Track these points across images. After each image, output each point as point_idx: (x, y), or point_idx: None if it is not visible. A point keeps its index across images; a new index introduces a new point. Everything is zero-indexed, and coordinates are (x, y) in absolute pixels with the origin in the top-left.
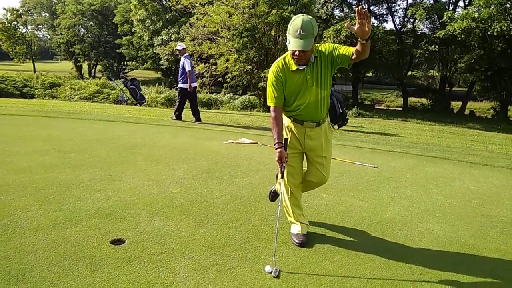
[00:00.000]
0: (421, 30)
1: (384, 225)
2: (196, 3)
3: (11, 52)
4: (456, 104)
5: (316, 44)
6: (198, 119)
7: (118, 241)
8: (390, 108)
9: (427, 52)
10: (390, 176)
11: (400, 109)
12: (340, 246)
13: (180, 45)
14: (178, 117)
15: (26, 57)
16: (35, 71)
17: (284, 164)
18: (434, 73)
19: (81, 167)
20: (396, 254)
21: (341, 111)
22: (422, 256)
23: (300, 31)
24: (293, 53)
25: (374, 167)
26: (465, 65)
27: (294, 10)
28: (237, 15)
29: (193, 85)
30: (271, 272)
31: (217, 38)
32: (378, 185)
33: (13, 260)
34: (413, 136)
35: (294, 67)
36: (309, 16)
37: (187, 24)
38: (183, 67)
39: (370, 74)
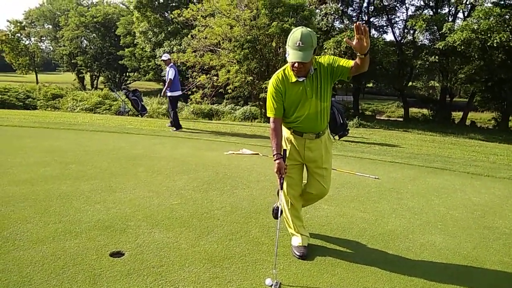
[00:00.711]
0: (421, 41)
1: (386, 237)
2: (198, 16)
3: (14, 64)
4: (457, 115)
5: (316, 57)
6: (178, 127)
7: (117, 254)
8: (391, 118)
9: (427, 63)
10: (391, 187)
11: (401, 119)
12: (341, 258)
13: (165, 56)
14: (178, 126)
15: (29, 69)
16: (37, 83)
17: (283, 176)
18: (435, 83)
19: (81, 179)
20: (398, 266)
21: (341, 122)
22: (424, 269)
23: (299, 43)
24: (292, 65)
25: (375, 178)
26: (466, 75)
27: (294, 22)
28: (238, 27)
29: (176, 93)
30: (271, 286)
31: (218, 49)
32: (379, 196)
33: (12, 273)
34: (414, 147)
35: (294, 79)
36: (309, 29)
37: (189, 36)
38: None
39: (370, 84)
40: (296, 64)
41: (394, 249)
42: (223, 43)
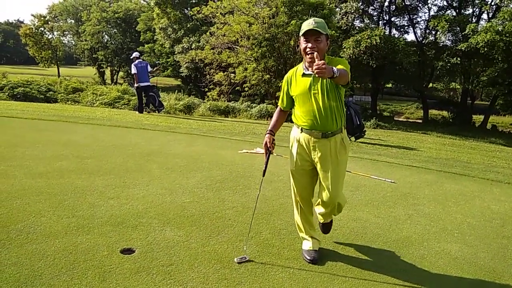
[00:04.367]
0: (443, 42)
1: (400, 244)
2: (217, 13)
3: (37, 57)
4: (478, 118)
5: (330, 56)
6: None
7: (128, 251)
8: (409, 120)
9: (448, 64)
10: (408, 192)
11: (420, 121)
12: (353, 264)
13: (135, 53)
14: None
15: (52, 62)
16: (59, 76)
17: (269, 151)
18: (456, 85)
19: (97, 173)
20: (411, 275)
21: (358, 123)
22: (438, 278)
23: (312, 22)
24: (304, 49)
25: (391, 182)
26: (488, 78)
27: None
28: (256, 25)
29: (141, 84)
30: (239, 259)
31: (236, 47)
32: (395, 201)
33: (23, 266)
34: (432, 151)
35: (303, 72)
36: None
37: (208, 33)
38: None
39: (390, 85)
40: (309, 45)
41: (408, 257)
42: (241, 40)
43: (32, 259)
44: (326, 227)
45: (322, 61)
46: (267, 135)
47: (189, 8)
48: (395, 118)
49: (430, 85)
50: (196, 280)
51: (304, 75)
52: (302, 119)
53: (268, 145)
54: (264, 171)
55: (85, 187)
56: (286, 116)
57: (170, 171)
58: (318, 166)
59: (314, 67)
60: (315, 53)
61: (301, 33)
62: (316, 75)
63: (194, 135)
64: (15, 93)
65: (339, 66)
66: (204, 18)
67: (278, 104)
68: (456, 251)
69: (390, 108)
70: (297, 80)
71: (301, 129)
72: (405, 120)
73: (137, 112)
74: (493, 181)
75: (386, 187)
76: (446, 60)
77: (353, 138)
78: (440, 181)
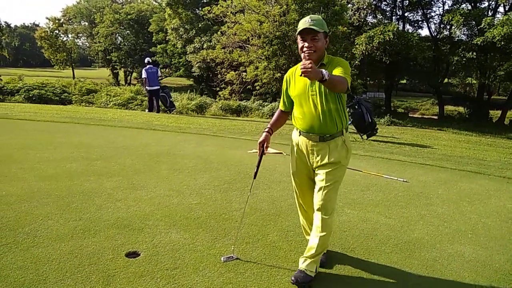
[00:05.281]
0: (458, 36)
1: (412, 246)
2: (228, 12)
3: (52, 59)
4: (495, 113)
5: (331, 56)
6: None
7: (133, 254)
8: (424, 116)
9: (464, 59)
10: (420, 191)
11: (436, 117)
12: (362, 267)
13: (147, 59)
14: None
15: (66, 64)
16: (74, 78)
17: (263, 151)
18: (472, 80)
19: (105, 175)
20: (424, 278)
21: (370, 120)
22: (451, 282)
23: (308, 20)
24: (301, 48)
25: (404, 181)
26: (505, 72)
27: (325, 17)
28: (267, 23)
29: (151, 88)
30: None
31: (247, 46)
32: (407, 201)
33: (28, 270)
34: (447, 148)
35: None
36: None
37: (219, 33)
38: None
39: (404, 81)
40: (306, 44)
41: (420, 259)
42: (252, 39)
43: (38, 263)
44: (300, 276)
45: (309, 61)
46: (264, 133)
47: (200, 8)
48: (410, 115)
49: (446, 80)
50: (200, 284)
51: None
52: (299, 121)
53: (265, 144)
54: (256, 173)
55: (93, 189)
56: (287, 117)
57: (178, 172)
58: (316, 170)
59: (300, 67)
60: (307, 53)
61: (297, 32)
62: (302, 75)
63: (204, 135)
64: (30, 95)
65: (337, 71)
66: (215, 18)
67: (280, 107)
68: (470, 253)
69: (405, 105)
70: (296, 80)
71: (299, 132)
72: (420, 116)
73: (147, 110)
74: (510, 179)
75: (398, 187)
76: (462, 55)
77: (365, 136)
78: (454, 179)
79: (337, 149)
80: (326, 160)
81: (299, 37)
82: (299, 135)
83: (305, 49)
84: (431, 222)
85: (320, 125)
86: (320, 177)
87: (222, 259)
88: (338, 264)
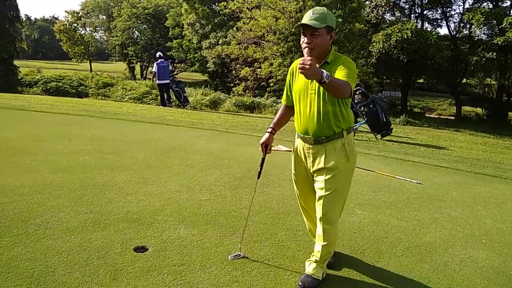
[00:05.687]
0: (478, 36)
1: (423, 249)
2: (244, 8)
3: (70, 52)
4: None
5: (338, 54)
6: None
7: (141, 249)
8: (441, 117)
9: (483, 59)
10: (434, 194)
11: (453, 118)
12: (372, 270)
13: (158, 53)
14: (164, 104)
15: (84, 58)
16: (91, 71)
17: (265, 151)
18: (491, 81)
19: (118, 169)
20: (434, 283)
21: (384, 120)
22: None
23: (310, 14)
24: (302, 43)
25: (417, 183)
26: None
27: (342, 14)
28: (283, 19)
29: (161, 82)
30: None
31: (262, 42)
32: (420, 204)
33: (38, 262)
34: (463, 150)
35: None
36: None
37: (234, 28)
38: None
39: (421, 80)
40: (305, 40)
41: (431, 263)
42: (267, 35)
43: (47, 255)
44: (307, 280)
45: (309, 58)
46: (267, 134)
47: (216, 3)
48: (426, 115)
49: (464, 80)
50: (206, 281)
51: None
52: (296, 122)
53: (268, 146)
54: (259, 173)
55: (104, 183)
56: (292, 113)
57: (189, 167)
58: (314, 176)
59: (299, 63)
60: (306, 49)
61: (296, 26)
62: (299, 71)
63: (216, 131)
64: (48, 87)
65: (340, 73)
66: (231, 13)
67: (282, 102)
68: (483, 259)
69: (422, 104)
70: (297, 76)
71: (297, 134)
72: (436, 116)
73: (161, 106)
74: None
75: (411, 188)
76: (481, 55)
77: (379, 136)
78: (470, 182)
79: (334, 153)
80: (322, 165)
81: (301, 31)
82: (297, 137)
83: (304, 45)
84: (444, 226)
85: (314, 127)
86: (319, 185)
87: (229, 257)
88: (347, 267)
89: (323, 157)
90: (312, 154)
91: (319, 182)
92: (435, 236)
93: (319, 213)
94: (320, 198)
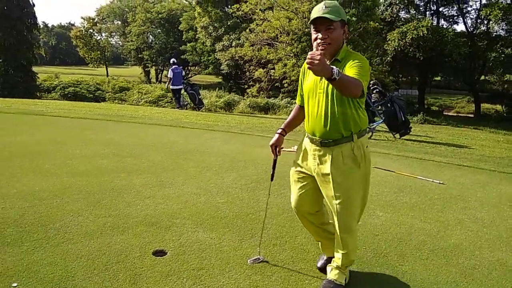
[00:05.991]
0: (496, 32)
1: (448, 252)
2: (256, 9)
3: (87, 58)
4: None
5: (350, 50)
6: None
7: (160, 252)
8: (460, 114)
9: (502, 55)
10: (458, 194)
11: (472, 116)
12: (396, 274)
13: (172, 60)
14: (180, 106)
15: (100, 62)
16: (108, 76)
17: (276, 153)
18: (511, 77)
19: (135, 172)
20: (462, 287)
21: (403, 119)
22: None
23: (322, 7)
24: (314, 40)
25: (440, 183)
26: None
27: (356, 13)
28: (296, 19)
29: (171, 87)
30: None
31: (275, 43)
32: (444, 205)
33: (58, 266)
34: (485, 148)
35: None
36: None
37: (247, 30)
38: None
39: (438, 78)
40: (320, 36)
41: (458, 267)
42: (280, 36)
43: (67, 259)
44: (329, 286)
45: (318, 53)
46: (276, 135)
47: (229, 6)
48: (444, 113)
49: (482, 77)
50: (227, 286)
51: None
52: (306, 121)
53: (277, 147)
54: (272, 175)
55: (122, 186)
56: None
57: (205, 170)
58: (319, 182)
59: (307, 58)
60: (321, 46)
61: (310, 21)
62: (307, 66)
63: (231, 133)
64: (66, 92)
65: (351, 70)
66: (244, 15)
67: (296, 100)
68: None
69: (439, 102)
70: (308, 74)
71: (306, 134)
72: (455, 114)
73: (176, 108)
74: None
75: (434, 189)
76: (500, 51)
77: (397, 135)
78: (494, 182)
79: (341, 158)
80: (327, 170)
81: (312, 27)
82: (306, 137)
83: (318, 41)
84: (470, 227)
85: (320, 128)
86: (329, 193)
87: (249, 261)
88: (370, 270)
89: (329, 161)
90: (318, 157)
91: (328, 190)
92: (460, 238)
93: (335, 221)
94: (333, 206)
